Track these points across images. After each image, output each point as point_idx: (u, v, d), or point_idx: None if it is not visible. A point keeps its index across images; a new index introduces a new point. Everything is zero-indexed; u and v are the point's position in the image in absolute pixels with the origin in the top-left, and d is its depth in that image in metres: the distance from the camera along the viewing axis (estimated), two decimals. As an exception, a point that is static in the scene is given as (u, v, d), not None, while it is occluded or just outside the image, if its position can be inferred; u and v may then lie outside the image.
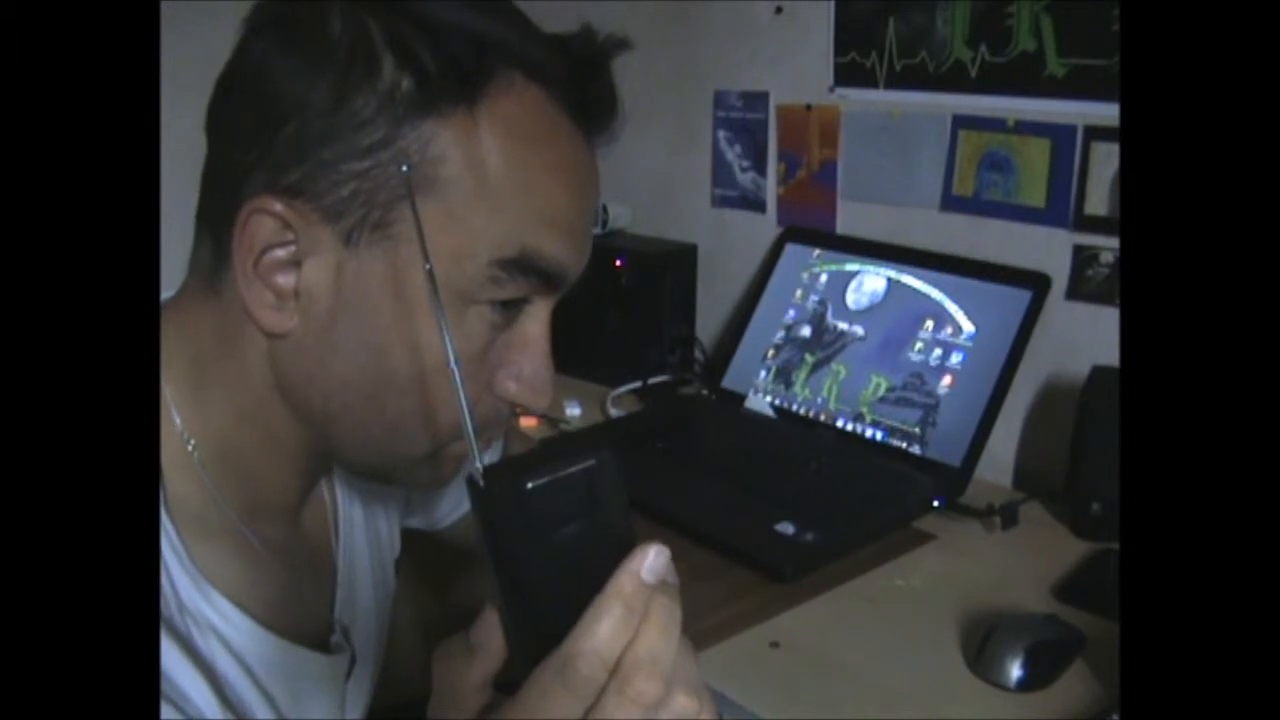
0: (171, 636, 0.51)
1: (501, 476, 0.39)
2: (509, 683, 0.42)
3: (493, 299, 0.52)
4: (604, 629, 0.39)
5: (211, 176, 0.54)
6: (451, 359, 0.42)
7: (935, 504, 1.10)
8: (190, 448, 0.55)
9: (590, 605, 0.40)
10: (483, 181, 0.50)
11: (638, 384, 1.43)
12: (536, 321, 0.55)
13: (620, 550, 0.41)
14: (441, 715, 0.43)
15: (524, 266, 0.51)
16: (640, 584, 0.40)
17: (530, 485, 0.39)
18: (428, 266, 0.44)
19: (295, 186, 0.50)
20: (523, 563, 0.39)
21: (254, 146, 0.50)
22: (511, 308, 0.53)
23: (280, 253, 0.51)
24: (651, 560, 0.40)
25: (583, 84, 0.53)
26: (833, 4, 1.32)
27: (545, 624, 0.40)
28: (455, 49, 0.49)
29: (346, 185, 0.49)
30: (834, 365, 1.28)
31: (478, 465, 0.39)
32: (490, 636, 0.42)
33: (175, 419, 0.55)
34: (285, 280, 0.51)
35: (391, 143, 0.49)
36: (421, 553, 0.85)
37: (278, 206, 0.50)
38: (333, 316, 0.52)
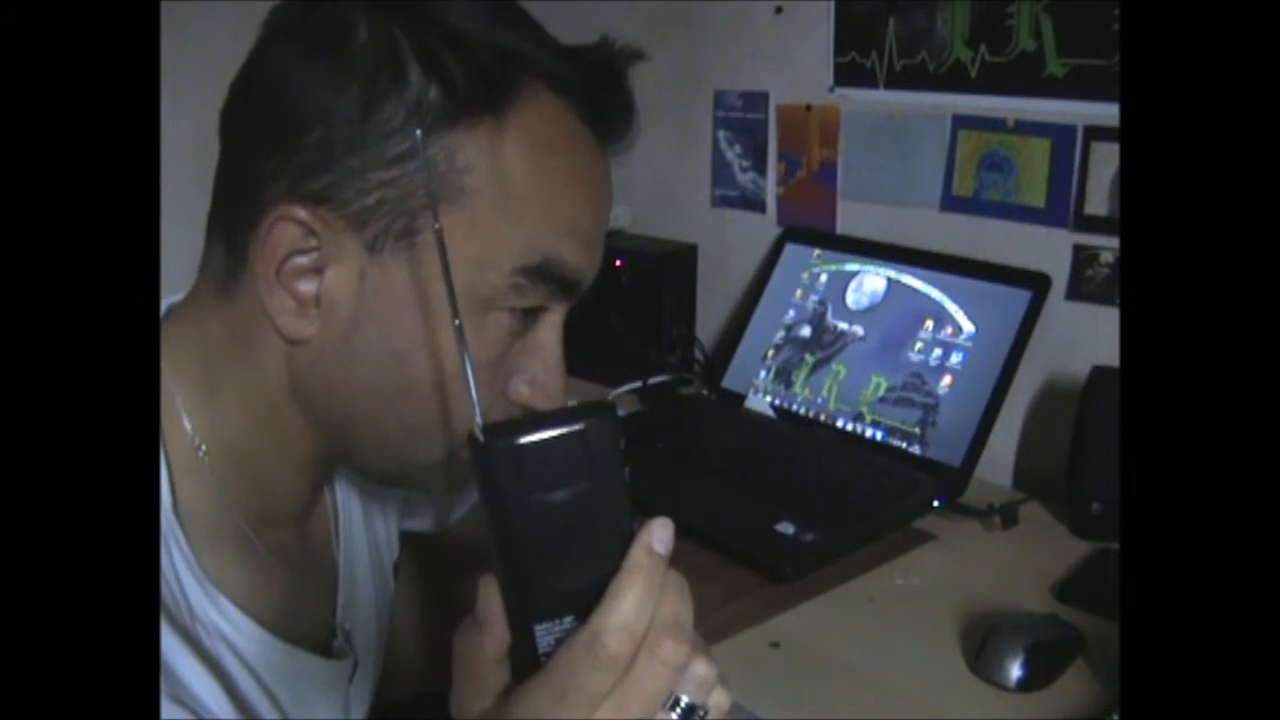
0: (183, 640, 0.51)
1: (501, 434, 0.40)
2: (515, 654, 0.42)
3: (512, 307, 0.52)
4: (629, 604, 0.40)
5: (227, 180, 0.54)
6: (468, 361, 0.42)
7: (935, 504, 1.09)
8: (200, 452, 0.55)
9: (611, 582, 0.41)
10: (507, 191, 0.51)
11: (638, 384, 1.43)
12: (551, 328, 0.55)
13: (616, 514, 0.41)
14: (463, 696, 0.43)
15: (545, 274, 0.52)
16: (656, 557, 0.41)
17: (523, 441, 0.39)
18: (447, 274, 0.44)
19: (320, 194, 0.50)
20: (518, 520, 0.40)
21: (276, 152, 0.50)
22: (529, 315, 0.54)
23: (303, 259, 0.51)
24: (660, 532, 0.42)
25: (601, 95, 0.54)
26: (833, 4, 1.32)
27: (541, 584, 0.41)
28: (482, 59, 0.50)
29: (372, 194, 0.50)
30: (834, 365, 1.28)
31: (478, 421, 0.40)
32: (492, 606, 0.42)
33: (185, 423, 0.54)
34: (307, 287, 0.51)
35: (419, 152, 0.49)
36: (420, 554, 0.85)
37: (302, 213, 0.50)
38: (354, 323, 0.52)
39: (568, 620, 0.41)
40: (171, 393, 0.54)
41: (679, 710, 0.42)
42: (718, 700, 0.44)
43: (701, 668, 0.43)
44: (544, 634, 0.41)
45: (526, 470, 0.39)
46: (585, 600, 0.41)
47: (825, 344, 1.30)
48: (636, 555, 0.41)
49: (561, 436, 0.40)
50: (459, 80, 0.49)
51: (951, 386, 1.17)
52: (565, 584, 0.41)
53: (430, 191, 0.48)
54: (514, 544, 0.40)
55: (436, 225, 0.44)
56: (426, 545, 0.85)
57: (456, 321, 0.42)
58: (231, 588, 0.55)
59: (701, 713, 0.43)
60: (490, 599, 0.42)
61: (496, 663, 0.43)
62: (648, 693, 0.41)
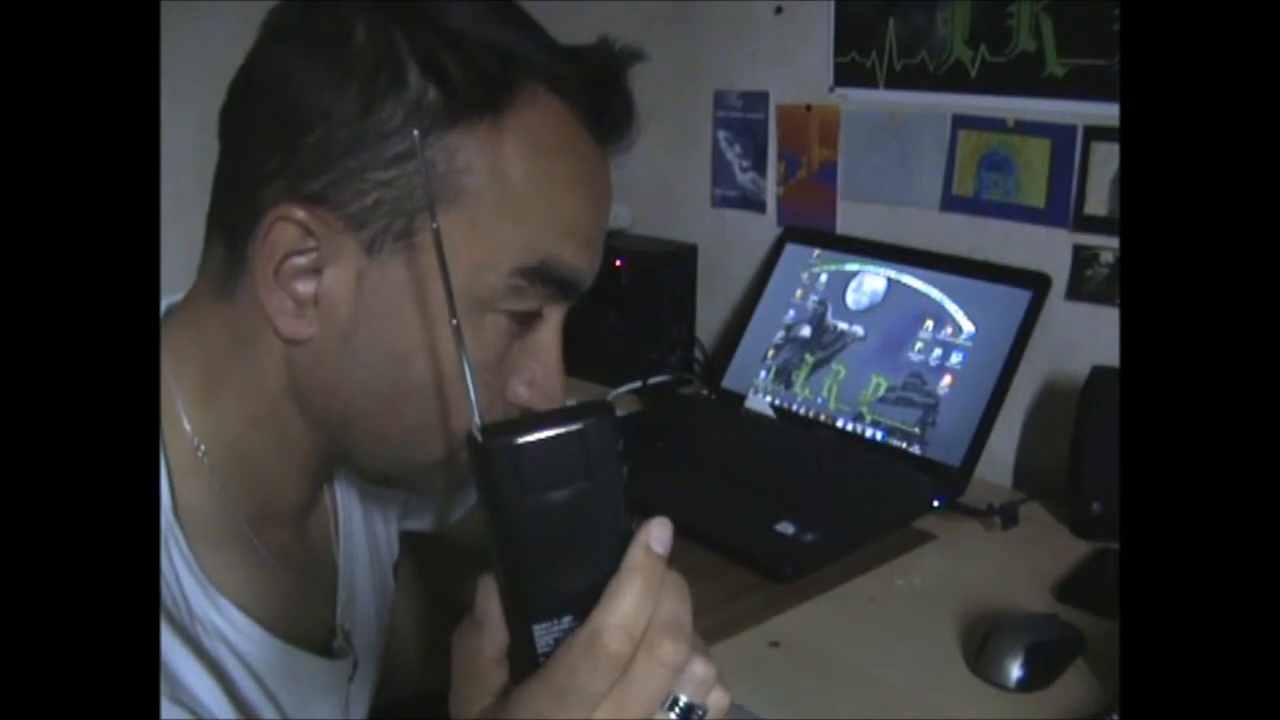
0: (183, 642, 0.51)
1: (500, 434, 0.40)
2: (514, 654, 0.42)
3: (511, 309, 0.52)
4: (628, 604, 0.40)
5: (226, 181, 0.54)
6: (466, 362, 0.42)
7: (935, 504, 1.09)
8: (200, 453, 0.55)
9: (610, 582, 0.41)
10: (506, 192, 0.51)
11: (638, 384, 1.43)
12: (550, 329, 0.55)
13: (614, 514, 0.41)
14: (462, 696, 0.43)
15: (544, 275, 0.52)
16: (655, 557, 0.41)
17: (522, 441, 0.39)
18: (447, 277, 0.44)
19: (318, 194, 0.50)
20: (516, 520, 0.40)
21: (275, 153, 0.50)
22: (528, 316, 0.54)
23: (301, 260, 0.51)
24: (658, 532, 0.42)
25: (601, 95, 0.54)
26: (833, 4, 1.32)
27: (539, 584, 0.41)
28: (481, 60, 0.50)
29: (371, 194, 0.50)
30: (834, 365, 1.28)
31: (476, 421, 0.40)
32: (491, 607, 0.42)
33: (185, 424, 0.54)
34: (305, 287, 0.51)
35: (417, 152, 0.49)
36: (420, 554, 0.85)
37: (301, 214, 0.50)
38: (353, 324, 0.52)
39: (566, 620, 0.41)
40: (171, 393, 0.54)
41: (678, 710, 0.42)
42: (716, 700, 0.44)
43: (700, 667, 0.43)
44: (543, 634, 0.41)
45: (525, 470, 0.39)
46: (584, 600, 0.41)
47: (825, 344, 1.30)
48: (635, 555, 0.41)
49: (560, 436, 0.40)
50: (458, 81, 0.49)
51: (951, 386, 1.17)
52: (564, 584, 0.41)
53: (428, 192, 0.48)
54: (513, 544, 0.40)
55: (434, 225, 0.44)
56: (426, 545, 0.85)
57: (454, 322, 0.42)
58: (231, 588, 0.55)
59: (700, 712, 0.43)
60: (489, 599, 0.42)
61: (495, 663, 0.42)
62: (646, 692, 0.41)
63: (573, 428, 0.40)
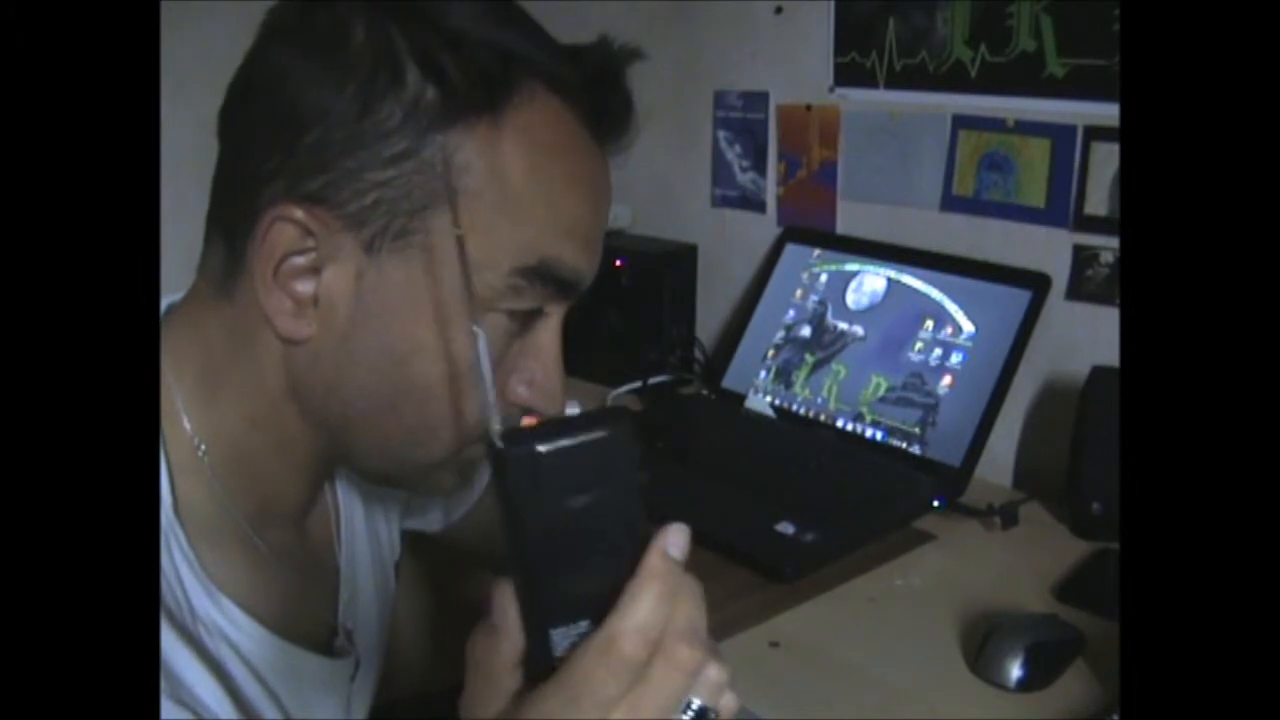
0: (185, 642, 0.51)
1: (520, 441, 0.40)
2: (530, 658, 0.42)
3: (511, 309, 0.52)
4: (645, 608, 0.40)
5: (225, 181, 0.54)
6: (483, 365, 0.42)
7: (935, 504, 1.09)
8: (200, 452, 0.55)
9: (627, 586, 0.41)
10: (505, 192, 0.51)
11: (638, 384, 1.43)
12: (549, 329, 0.55)
13: (632, 519, 0.42)
14: (476, 700, 0.43)
15: (543, 275, 0.52)
16: (671, 562, 0.41)
17: (543, 449, 0.39)
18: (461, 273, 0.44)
19: (317, 194, 0.50)
20: (535, 525, 0.40)
21: (274, 153, 0.50)
22: (527, 316, 0.54)
23: (300, 260, 0.51)
24: (675, 537, 0.42)
25: (600, 95, 0.54)
26: (833, 4, 1.32)
27: (557, 589, 0.41)
28: (480, 60, 0.50)
29: (369, 194, 0.50)
30: (834, 365, 1.28)
31: (496, 428, 0.40)
32: (507, 612, 0.42)
33: (185, 424, 0.55)
34: (304, 287, 0.51)
35: (415, 153, 0.49)
36: (421, 553, 0.85)
37: (299, 214, 0.50)
38: (352, 324, 0.52)
39: (583, 624, 0.41)
40: (171, 393, 0.55)
41: (691, 713, 0.42)
42: (727, 703, 0.44)
43: (714, 672, 0.43)
44: (559, 638, 0.42)
45: (545, 477, 0.39)
46: (601, 604, 0.41)
47: (825, 344, 1.30)
48: (652, 560, 0.41)
49: (581, 444, 0.40)
50: (456, 81, 0.49)
51: (951, 386, 1.17)
52: (581, 588, 0.41)
53: (450, 190, 0.48)
54: (531, 549, 0.40)
55: (458, 232, 0.44)
56: (427, 544, 0.85)
57: (475, 329, 0.42)
58: (233, 587, 0.55)
59: (713, 715, 0.43)
60: (506, 603, 0.42)
61: (512, 666, 0.42)
62: (662, 697, 0.41)
63: (594, 435, 0.40)
